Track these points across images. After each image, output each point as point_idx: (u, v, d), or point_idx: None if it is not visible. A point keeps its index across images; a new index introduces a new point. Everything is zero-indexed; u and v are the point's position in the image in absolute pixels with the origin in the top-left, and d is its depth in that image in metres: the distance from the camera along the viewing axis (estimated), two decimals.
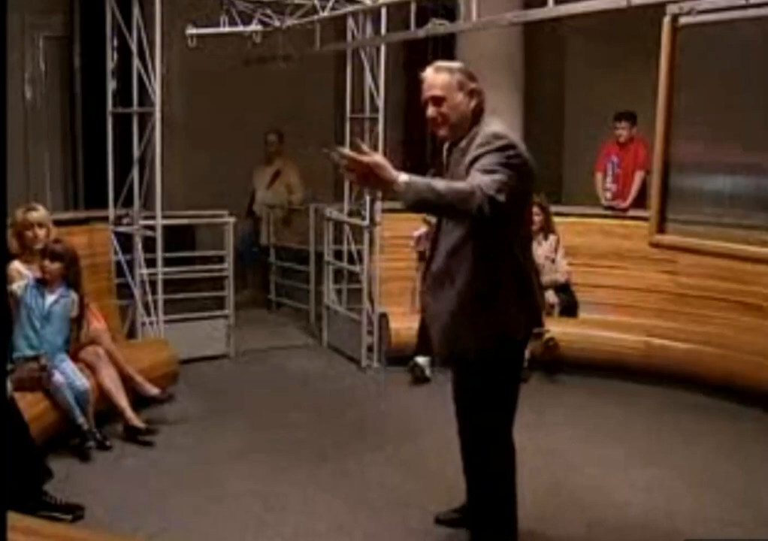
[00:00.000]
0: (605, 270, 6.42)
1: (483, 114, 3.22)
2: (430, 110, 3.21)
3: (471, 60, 8.03)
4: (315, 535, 3.79)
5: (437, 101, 3.19)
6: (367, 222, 6.17)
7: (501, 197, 2.85)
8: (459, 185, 2.89)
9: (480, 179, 2.90)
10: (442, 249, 3.29)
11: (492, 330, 3.21)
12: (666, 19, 3.48)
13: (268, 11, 6.31)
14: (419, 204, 2.85)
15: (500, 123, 3.21)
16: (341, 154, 2.80)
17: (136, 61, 5.72)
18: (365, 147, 2.87)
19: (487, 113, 3.24)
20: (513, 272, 3.21)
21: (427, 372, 5.90)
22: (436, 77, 3.22)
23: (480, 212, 2.83)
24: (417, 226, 6.17)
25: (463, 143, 3.19)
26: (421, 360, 5.89)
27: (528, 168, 3.08)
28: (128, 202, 5.98)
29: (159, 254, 5.82)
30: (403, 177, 2.80)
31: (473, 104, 3.20)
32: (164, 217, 5.88)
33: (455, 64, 3.31)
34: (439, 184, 2.86)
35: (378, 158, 2.81)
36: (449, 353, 3.46)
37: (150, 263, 5.88)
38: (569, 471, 4.35)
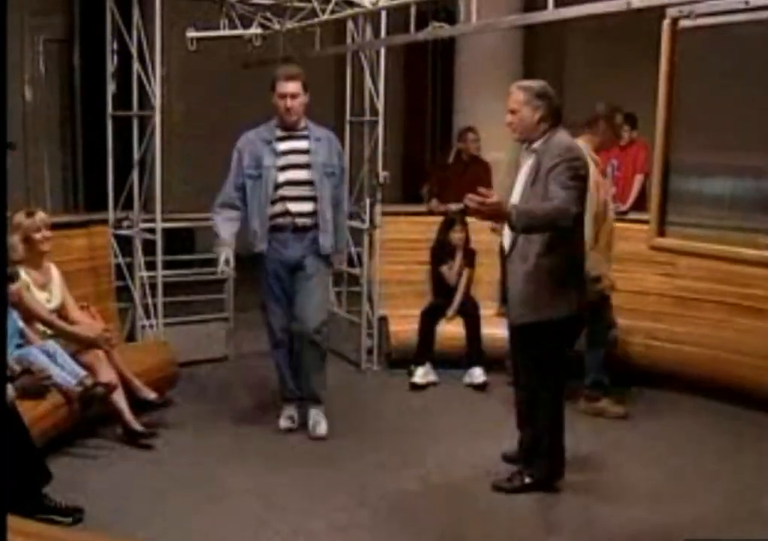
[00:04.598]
0: None
1: (554, 125, 4.00)
2: (508, 117, 4.07)
3: (471, 60, 8.09)
4: (314, 534, 3.79)
5: (512, 111, 4.05)
6: (366, 225, 6.17)
7: (578, 209, 3.82)
8: (548, 207, 3.77)
9: (560, 196, 3.77)
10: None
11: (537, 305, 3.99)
12: (666, 22, 3.48)
13: (268, 14, 6.31)
14: (527, 228, 3.77)
15: (566, 135, 4.03)
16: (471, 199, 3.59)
17: (136, 64, 5.72)
18: (485, 191, 3.65)
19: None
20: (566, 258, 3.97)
21: (431, 378, 5.89)
22: (514, 93, 4.06)
23: (569, 224, 3.77)
24: (417, 230, 6.21)
25: (536, 145, 4.01)
26: (419, 372, 5.88)
27: (587, 171, 4.01)
28: (128, 205, 5.99)
29: (159, 257, 5.82)
30: (511, 209, 3.68)
31: (535, 116, 3.98)
32: (164, 220, 5.89)
33: (530, 84, 4.10)
34: (537, 210, 3.78)
35: (497, 198, 3.65)
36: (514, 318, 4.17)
37: (150, 266, 5.89)
38: (567, 473, 4.34)
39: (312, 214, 4.75)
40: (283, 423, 4.98)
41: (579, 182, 3.86)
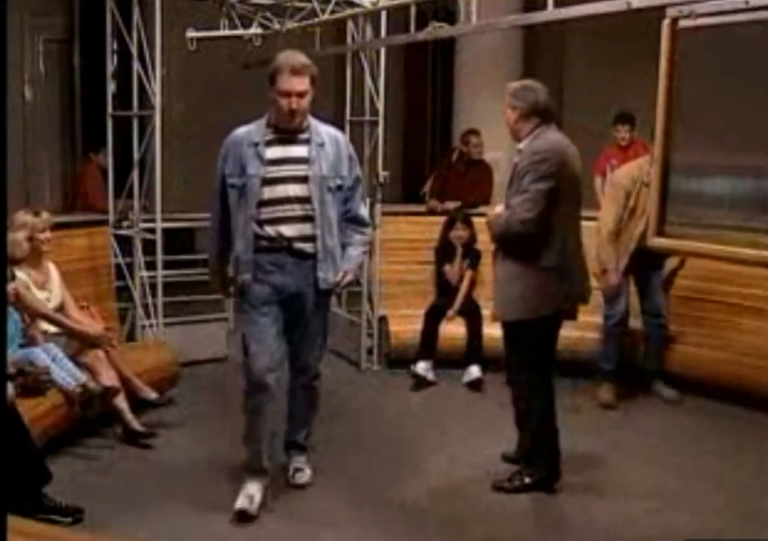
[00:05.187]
0: None
1: (536, 125, 3.97)
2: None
3: (471, 60, 8.09)
4: (313, 534, 3.79)
5: (504, 113, 4.09)
6: None
7: (528, 215, 3.85)
8: (502, 217, 3.97)
9: (515, 203, 3.91)
10: None
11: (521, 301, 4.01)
12: (666, 22, 3.47)
13: (268, 14, 6.31)
14: (499, 235, 4.04)
15: (552, 134, 3.98)
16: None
17: (136, 64, 5.72)
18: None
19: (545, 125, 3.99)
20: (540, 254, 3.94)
21: (430, 376, 5.90)
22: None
23: (520, 230, 3.89)
24: (416, 230, 6.39)
25: (522, 145, 4.04)
26: (421, 366, 5.88)
27: (557, 172, 3.87)
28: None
29: (159, 257, 5.83)
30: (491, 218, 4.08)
31: (514, 116, 4.02)
32: (164, 220, 5.89)
33: (513, 85, 4.11)
34: (494, 218, 4.03)
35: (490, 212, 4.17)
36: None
37: (150, 266, 5.89)
38: (567, 473, 4.34)
39: (313, 238, 3.83)
40: (240, 502, 3.81)
41: (543, 183, 3.85)
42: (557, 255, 3.95)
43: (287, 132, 3.81)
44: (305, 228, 3.81)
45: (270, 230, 3.78)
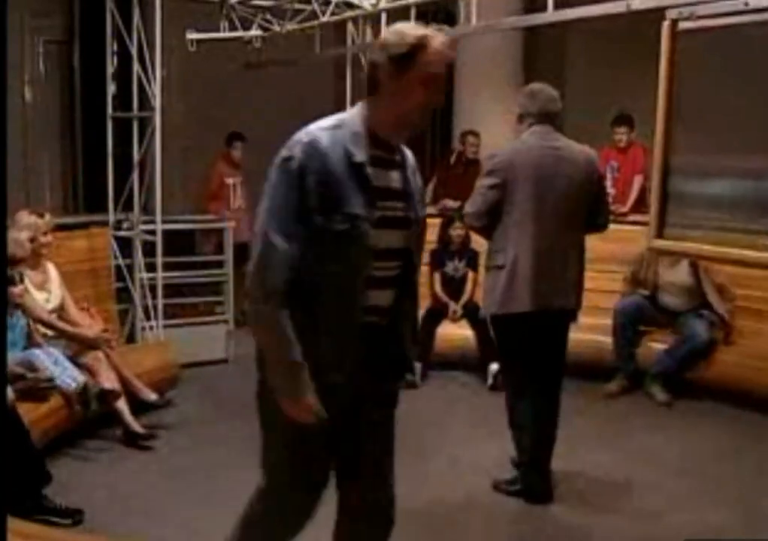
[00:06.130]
0: (603, 275, 6.38)
1: (532, 124, 3.95)
2: None
3: (471, 60, 8.09)
4: (314, 534, 3.78)
5: None
6: None
7: (469, 209, 3.98)
8: None
9: None
10: None
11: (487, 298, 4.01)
12: (666, 24, 3.48)
13: (268, 16, 6.31)
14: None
15: (532, 134, 3.93)
16: None
17: (136, 65, 5.72)
18: None
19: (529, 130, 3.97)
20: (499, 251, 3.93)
21: (416, 378, 5.87)
22: None
23: (472, 223, 4.05)
24: None
25: None
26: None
27: (503, 169, 3.85)
28: (127, 206, 5.99)
29: (159, 259, 5.82)
30: None
31: (516, 117, 4.03)
32: (163, 222, 5.89)
33: (526, 89, 4.13)
34: None
35: None
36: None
37: (150, 267, 5.89)
38: (566, 474, 4.34)
39: (392, 309, 2.53)
40: None
41: (485, 179, 3.94)
42: (506, 255, 3.87)
43: (386, 148, 2.45)
44: (389, 296, 2.52)
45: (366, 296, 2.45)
